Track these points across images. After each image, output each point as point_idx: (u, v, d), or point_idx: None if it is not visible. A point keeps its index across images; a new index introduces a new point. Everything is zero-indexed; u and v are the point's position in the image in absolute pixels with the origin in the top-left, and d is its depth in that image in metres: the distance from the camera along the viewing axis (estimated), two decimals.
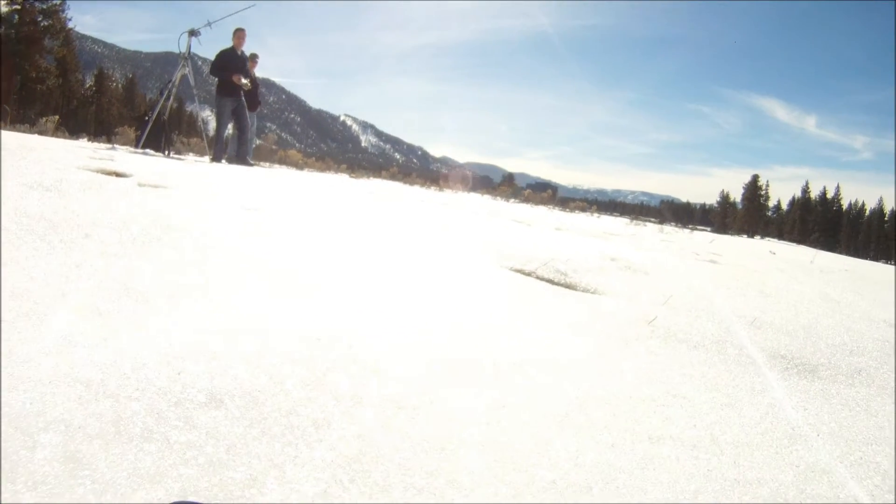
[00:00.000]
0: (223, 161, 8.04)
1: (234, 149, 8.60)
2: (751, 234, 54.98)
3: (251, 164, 8.38)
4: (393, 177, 19.86)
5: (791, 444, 1.40)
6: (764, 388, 1.76)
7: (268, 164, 14.24)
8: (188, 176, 4.20)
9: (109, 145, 7.85)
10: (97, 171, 3.45)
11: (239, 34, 8.33)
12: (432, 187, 16.60)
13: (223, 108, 8.24)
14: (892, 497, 1.22)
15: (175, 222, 2.41)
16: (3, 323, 1.34)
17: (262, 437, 1.06)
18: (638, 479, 1.14)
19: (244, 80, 8.20)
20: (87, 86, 48.91)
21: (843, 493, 1.20)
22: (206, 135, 10.53)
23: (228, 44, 8.46)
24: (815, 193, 75.47)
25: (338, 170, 19.15)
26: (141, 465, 0.92)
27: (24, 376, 1.11)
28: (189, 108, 56.67)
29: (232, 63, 8.20)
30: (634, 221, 13.32)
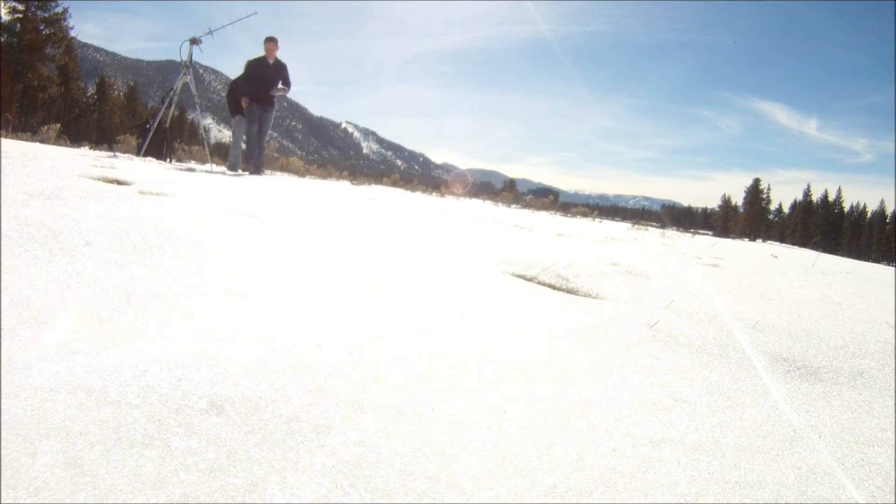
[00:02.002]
0: (239, 170, 8.01)
1: (239, 156, 8.57)
2: (752, 238, 54.94)
3: (262, 174, 8.36)
4: (394, 183, 19.89)
5: (792, 446, 1.40)
6: (765, 390, 1.76)
7: (269, 171, 14.29)
8: (189, 184, 4.22)
9: (111, 153, 7.89)
10: (98, 179, 3.47)
11: (267, 45, 8.17)
12: (434, 193, 16.62)
13: (248, 116, 8.10)
14: (893, 498, 1.22)
15: (176, 230, 2.42)
16: (3, 330, 1.34)
17: (262, 443, 1.06)
18: (639, 482, 1.14)
19: (278, 90, 8.16)
20: (89, 94, 49.19)
21: (844, 495, 1.20)
22: (208, 142, 10.56)
23: (231, 53, 8.46)
24: (816, 196, 75.48)
25: (339, 177, 19.18)
26: (142, 471, 0.92)
27: (24, 383, 1.11)
28: (191, 115, 56.92)
29: (259, 72, 8.07)
30: (636, 226, 13.31)
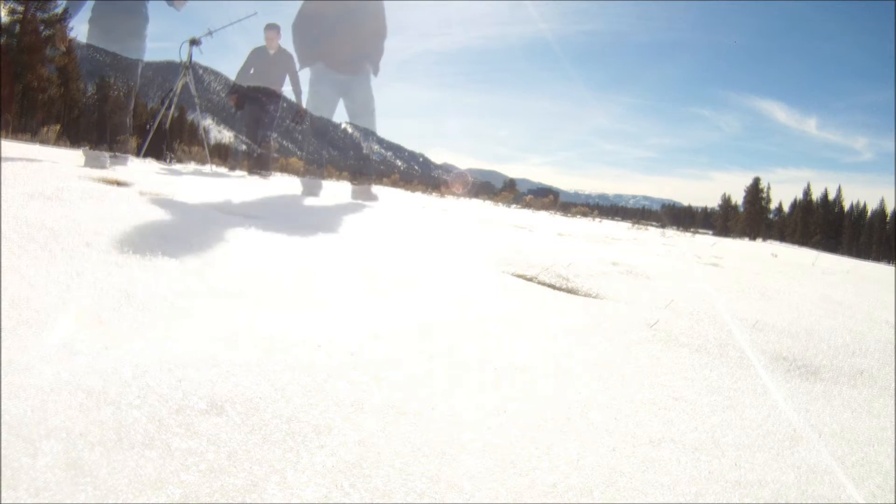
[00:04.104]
0: (237, 170, 7.89)
1: (240, 156, 8.50)
2: (752, 237, 54.91)
3: (262, 174, 8.26)
4: (394, 184, 19.88)
5: (793, 445, 1.40)
6: (766, 390, 1.76)
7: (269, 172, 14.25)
8: (189, 184, 4.23)
9: (111, 154, 7.86)
10: (98, 180, 3.47)
11: (267, 34, 7.65)
12: (434, 193, 16.63)
13: (248, 114, 7.85)
14: (893, 498, 1.22)
15: (176, 231, 2.42)
16: (3, 330, 1.34)
17: (262, 443, 1.06)
18: (639, 481, 1.14)
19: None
20: (89, 94, 49.20)
21: (844, 494, 1.20)
22: (207, 143, 10.54)
23: (231, 54, 8.34)
24: (816, 195, 75.48)
25: (339, 177, 19.17)
26: (142, 471, 0.92)
27: (24, 384, 1.11)
28: (190, 116, 56.89)
29: (259, 64, 7.74)
30: (636, 226, 13.31)
